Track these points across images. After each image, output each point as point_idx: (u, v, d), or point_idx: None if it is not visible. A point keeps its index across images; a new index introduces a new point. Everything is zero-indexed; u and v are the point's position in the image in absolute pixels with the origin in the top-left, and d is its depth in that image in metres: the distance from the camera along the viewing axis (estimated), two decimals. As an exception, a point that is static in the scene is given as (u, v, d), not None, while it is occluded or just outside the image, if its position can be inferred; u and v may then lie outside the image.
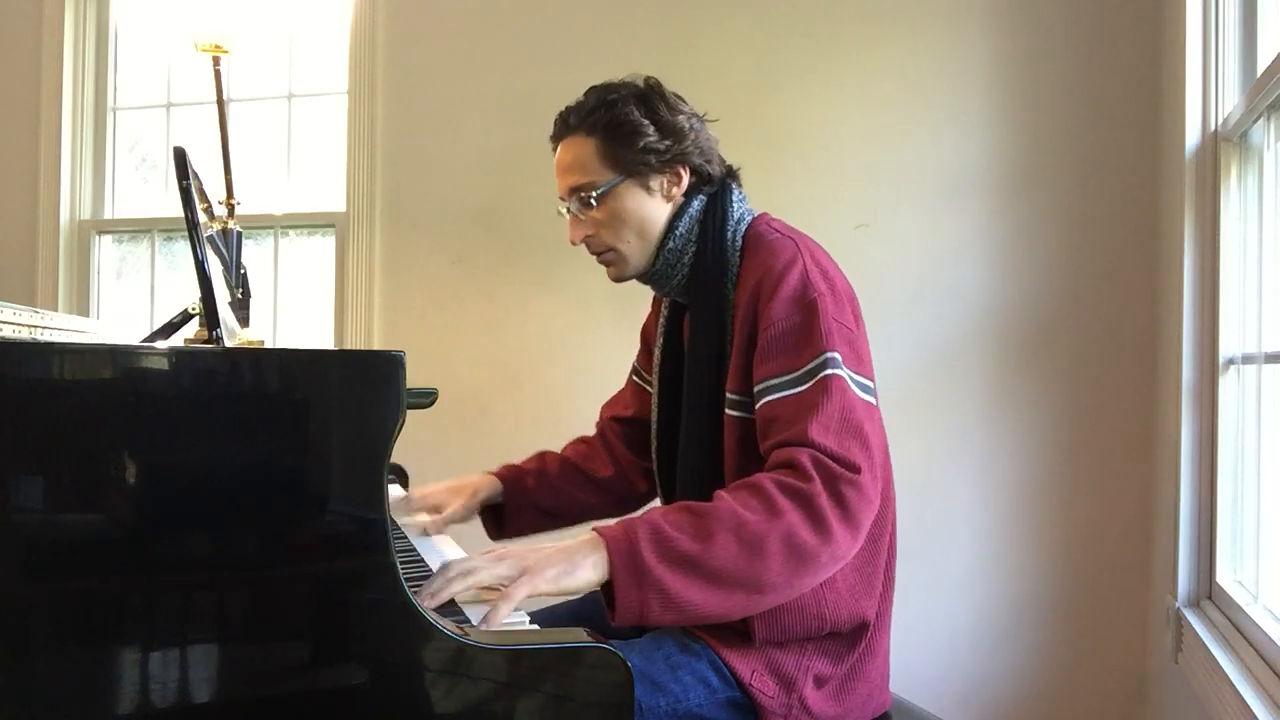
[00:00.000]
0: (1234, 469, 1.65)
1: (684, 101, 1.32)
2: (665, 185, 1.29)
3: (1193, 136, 1.75)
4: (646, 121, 1.26)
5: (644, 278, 1.34)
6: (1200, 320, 1.73)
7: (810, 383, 1.11)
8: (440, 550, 1.37)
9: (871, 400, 1.16)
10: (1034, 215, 2.26)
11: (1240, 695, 1.29)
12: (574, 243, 1.32)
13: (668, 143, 1.26)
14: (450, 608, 1.11)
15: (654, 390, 1.41)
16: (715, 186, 1.32)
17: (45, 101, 2.97)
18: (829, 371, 1.11)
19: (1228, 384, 1.67)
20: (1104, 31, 2.22)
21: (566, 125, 1.30)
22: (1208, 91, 1.73)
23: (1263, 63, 1.56)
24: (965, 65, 2.31)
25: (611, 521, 1.08)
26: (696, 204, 1.30)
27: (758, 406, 1.15)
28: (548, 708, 0.94)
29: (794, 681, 1.17)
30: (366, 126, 2.73)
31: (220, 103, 2.30)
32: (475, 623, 1.05)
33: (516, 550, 1.04)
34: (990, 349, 2.28)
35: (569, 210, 1.31)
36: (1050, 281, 2.25)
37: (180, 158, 1.21)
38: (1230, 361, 1.66)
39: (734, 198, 1.32)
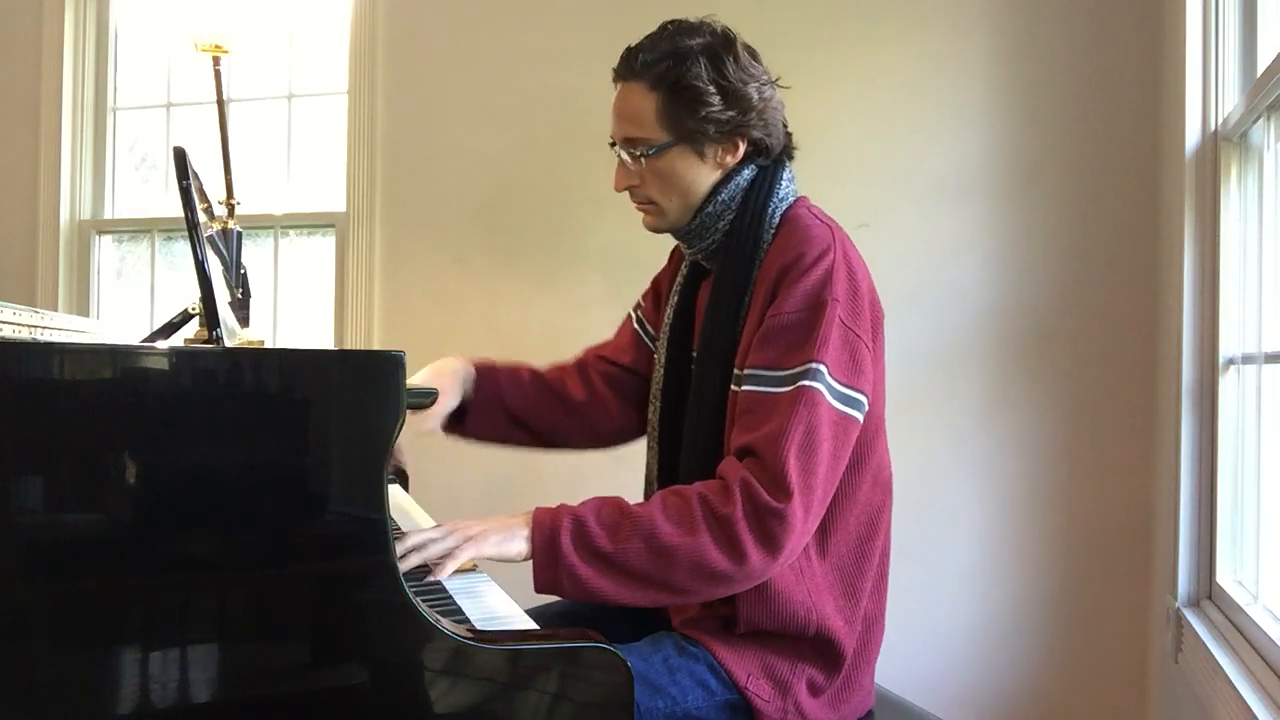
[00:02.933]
0: (1234, 469, 1.65)
1: (758, 63, 1.27)
2: (720, 154, 1.25)
3: (1193, 136, 1.75)
4: (713, 88, 1.20)
5: (675, 232, 1.31)
6: (1200, 320, 1.73)
7: (788, 388, 1.11)
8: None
9: (851, 413, 1.14)
10: (1034, 215, 2.26)
11: (1240, 695, 1.29)
12: (618, 189, 1.29)
13: (731, 113, 1.21)
14: (450, 607, 1.11)
15: (661, 349, 1.38)
16: (770, 160, 1.29)
17: (45, 101, 2.97)
18: (807, 383, 1.10)
19: (1228, 384, 1.67)
20: (1104, 31, 2.22)
21: (631, 68, 1.23)
22: (1208, 91, 1.73)
23: (1263, 63, 1.56)
24: (965, 65, 2.31)
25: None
26: (746, 173, 1.27)
27: (741, 390, 1.16)
28: (547, 708, 0.94)
29: (789, 686, 1.17)
30: (366, 126, 2.73)
31: (220, 103, 2.30)
32: (474, 620, 1.06)
33: (466, 522, 1.13)
34: (990, 349, 2.28)
35: (619, 155, 1.28)
36: (1050, 281, 2.25)
37: (180, 158, 1.21)
38: (1230, 361, 1.66)
39: (784, 177, 1.29)
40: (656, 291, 1.51)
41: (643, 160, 1.24)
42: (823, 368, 1.11)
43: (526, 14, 2.61)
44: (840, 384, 1.13)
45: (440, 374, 1.42)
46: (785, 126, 1.32)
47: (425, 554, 1.09)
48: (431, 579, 1.10)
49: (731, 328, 1.23)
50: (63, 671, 0.83)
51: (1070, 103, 2.24)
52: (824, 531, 1.19)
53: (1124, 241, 2.20)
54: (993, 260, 2.28)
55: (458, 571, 1.12)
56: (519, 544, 1.09)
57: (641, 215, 1.32)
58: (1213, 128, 1.71)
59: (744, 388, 1.15)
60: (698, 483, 1.13)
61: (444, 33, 2.69)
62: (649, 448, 1.40)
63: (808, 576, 1.18)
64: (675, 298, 1.38)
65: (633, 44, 1.25)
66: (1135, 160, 2.19)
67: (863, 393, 1.16)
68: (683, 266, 1.40)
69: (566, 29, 2.58)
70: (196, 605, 0.87)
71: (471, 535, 1.10)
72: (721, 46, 1.23)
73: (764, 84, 1.26)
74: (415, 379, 1.44)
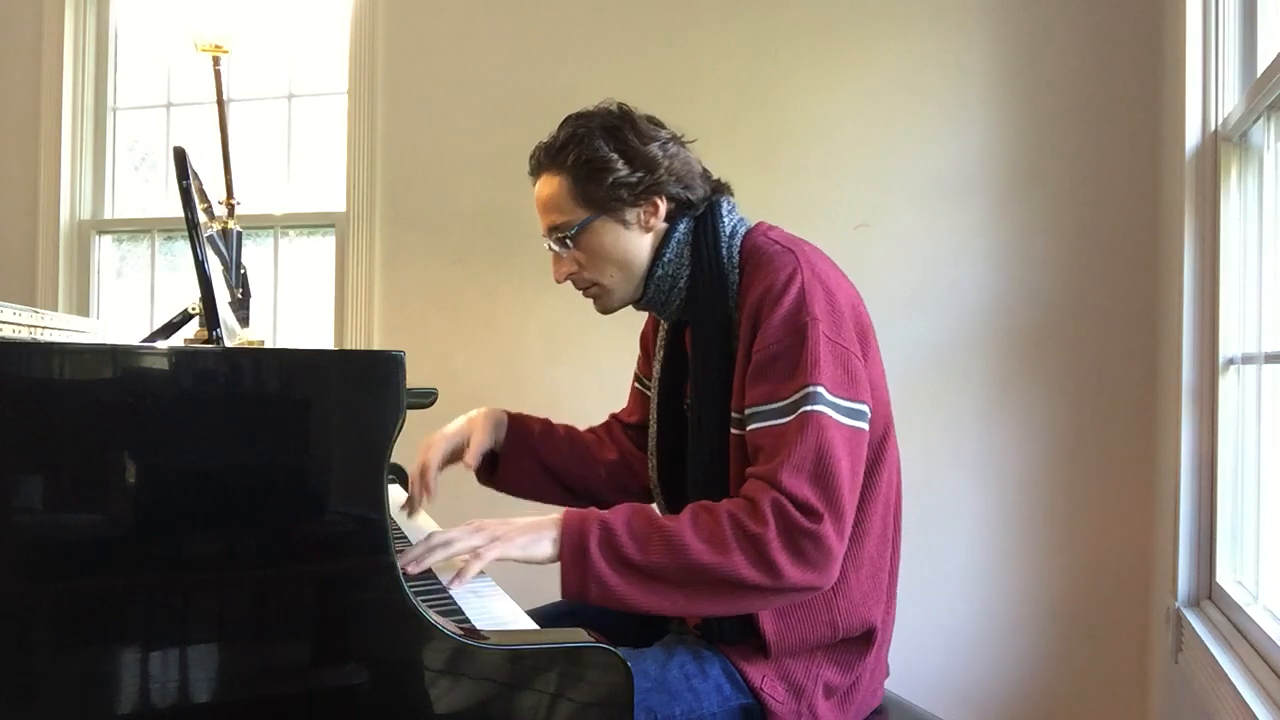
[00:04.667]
0: (1234, 469, 1.65)
1: (659, 126, 1.29)
2: (642, 217, 1.26)
3: (1193, 136, 1.75)
4: (615, 155, 1.23)
5: (638, 305, 1.32)
6: (1200, 320, 1.73)
7: (791, 416, 1.11)
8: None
9: (858, 425, 1.14)
10: (1034, 215, 2.26)
11: (1240, 695, 1.29)
12: (558, 280, 1.32)
13: (639, 175, 1.23)
14: (450, 608, 1.11)
15: (653, 403, 1.39)
16: (700, 208, 1.29)
17: (45, 101, 2.96)
18: (809, 408, 1.10)
19: (1228, 384, 1.67)
20: (1104, 32, 2.22)
21: (539, 163, 1.29)
22: (1208, 91, 1.72)
23: (1263, 63, 1.56)
24: (965, 65, 2.30)
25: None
26: (683, 227, 1.27)
27: (747, 430, 1.16)
28: (547, 708, 0.94)
29: (804, 689, 1.18)
30: (366, 126, 2.73)
31: (220, 103, 2.30)
32: (474, 621, 1.06)
33: (491, 521, 1.11)
34: (990, 349, 2.28)
35: (550, 248, 1.31)
36: (1050, 281, 2.25)
37: (180, 158, 1.21)
38: (1230, 361, 1.66)
39: (723, 212, 1.28)
40: (645, 348, 1.52)
41: (569, 243, 1.26)
42: (820, 389, 1.11)
43: (526, 14, 2.61)
44: (841, 399, 1.12)
45: (472, 419, 1.45)
46: (706, 175, 1.32)
47: (450, 550, 1.08)
48: (454, 582, 1.08)
49: (721, 372, 1.23)
50: (63, 671, 0.83)
51: (1070, 103, 2.24)
52: (856, 541, 1.18)
53: (1124, 241, 2.20)
54: (993, 260, 2.28)
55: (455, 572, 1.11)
56: (546, 546, 1.08)
57: (592, 303, 1.33)
58: (1213, 128, 1.71)
59: (749, 428, 1.15)
60: (726, 500, 1.12)
61: (444, 33, 2.69)
62: (657, 500, 1.40)
63: (840, 593, 1.18)
64: (660, 353, 1.38)
65: (535, 146, 1.29)
66: (1135, 160, 2.19)
67: (863, 403, 1.15)
68: (662, 321, 1.40)
69: (566, 29, 2.58)
70: (197, 605, 0.87)
71: (498, 535, 1.09)
72: (618, 120, 1.26)
73: (667, 142, 1.27)
74: (450, 428, 1.45)
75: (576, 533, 1.08)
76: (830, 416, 1.11)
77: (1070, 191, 2.24)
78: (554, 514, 1.11)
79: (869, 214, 2.34)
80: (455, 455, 1.44)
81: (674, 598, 1.08)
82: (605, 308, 1.33)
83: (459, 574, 1.08)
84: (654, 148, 1.25)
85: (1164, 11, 2.08)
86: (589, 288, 1.31)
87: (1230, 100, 1.68)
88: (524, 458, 1.47)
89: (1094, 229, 2.22)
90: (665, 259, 1.26)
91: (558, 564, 1.08)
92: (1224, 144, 1.67)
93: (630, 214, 1.25)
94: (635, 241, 1.27)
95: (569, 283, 1.33)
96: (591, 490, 1.51)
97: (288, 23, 2.73)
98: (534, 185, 1.31)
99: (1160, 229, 2.12)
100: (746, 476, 1.13)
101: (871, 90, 2.36)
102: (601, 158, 1.23)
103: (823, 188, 2.37)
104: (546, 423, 1.52)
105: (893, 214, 2.33)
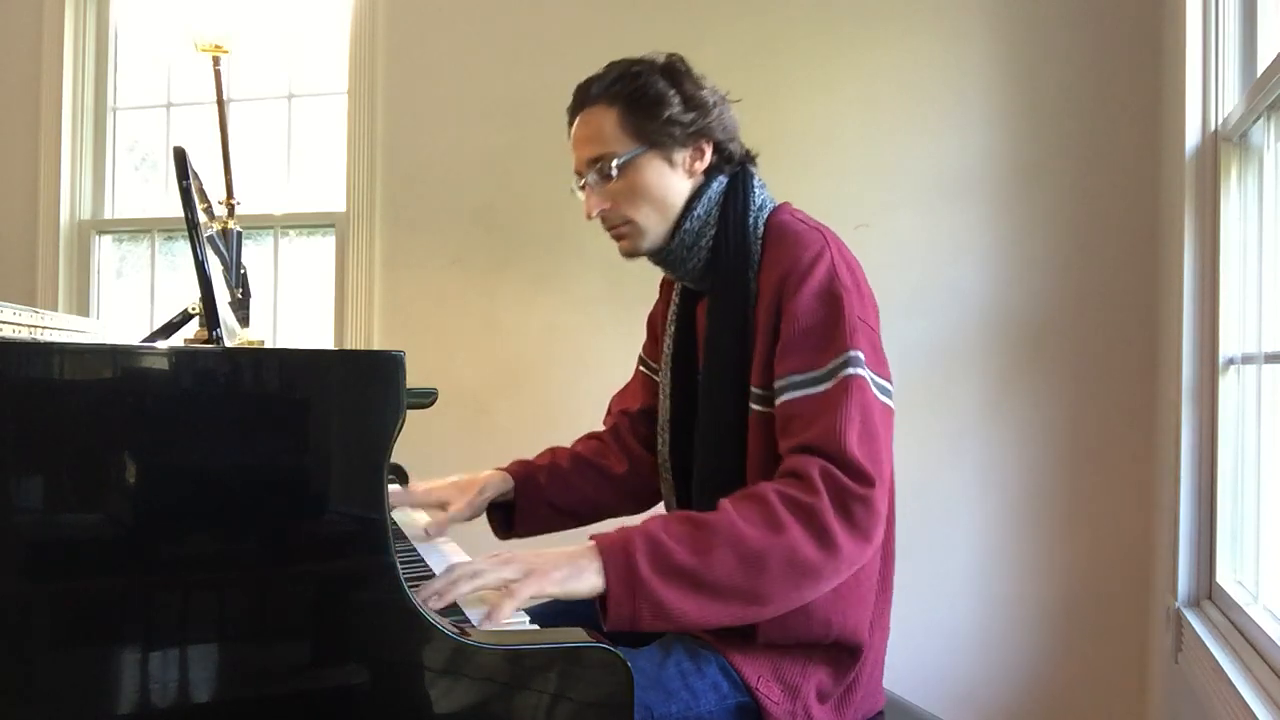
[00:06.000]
0: (1234, 469, 1.65)
1: (707, 79, 1.29)
2: (688, 160, 1.25)
3: (1193, 136, 1.75)
4: (672, 92, 1.23)
5: (657, 256, 1.30)
6: (1200, 320, 1.73)
7: (832, 382, 1.09)
8: (441, 551, 1.37)
9: (889, 403, 1.14)
10: (1034, 215, 2.26)
11: (1240, 695, 1.29)
12: (589, 215, 1.28)
13: (692, 115, 1.23)
14: (450, 608, 1.11)
15: (665, 382, 1.36)
16: (737, 167, 1.29)
17: (45, 101, 2.97)
18: (851, 371, 1.09)
19: (1228, 384, 1.67)
20: (1104, 31, 2.22)
21: (587, 96, 1.26)
22: (1208, 91, 1.73)
23: (1263, 63, 1.56)
24: (965, 65, 2.31)
25: (615, 526, 1.08)
26: (717, 185, 1.27)
27: (778, 403, 1.13)
28: (547, 707, 0.94)
29: (798, 690, 1.17)
30: (366, 126, 2.73)
31: (220, 103, 2.30)
32: (475, 623, 1.05)
33: (522, 554, 1.04)
34: (990, 349, 2.28)
35: (586, 183, 1.27)
36: (1050, 281, 2.25)
37: (180, 158, 1.21)
38: (1230, 361, 1.66)
39: (755, 183, 1.28)
40: (652, 330, 1.51)
41: (613, 173, 1.23)
42: (860, 354, 1.10)
43: (526, 14, 2.61)
44: (874, 374, 1.12)
45: (463, 489, 1.43)
46: (742, 143, 1.32)
47: (477, 583, 1.01)
48: (485, 621, 1.00)
49: (738, 345, 1.21)
50: (63, 671, 0.83)
51: (1070, 103, 2.24)
52: None
53: (1124, 241, 2.20)
54: (993, 260, 2.28)
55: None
56: (591, 579, 1.00)
57: (618, 244, 1.30)
58: (1213, 128, 1.71)
59: (782, 399, 1.13)
60: (763, 482, 1.08)
61: (444, 33, 2.69)
62: (663, 480, 1.38)
63: (835, 590, 1.15)
64: (672, 327, 1.36)
65: (580, 81, 1.27)
66: (1135, 160, 2.19)
67: (890, 382, 1.16)
68: (674, 296, 1.39)
69: (566, 29, 2.58)
70: (197, 605, 0.87)
71: (532, 569, 1.01)
72: (672, 65, 1.26)
73: (716, 93, 1.29)
74: (439, 484, 1.45)
75: (621, 553, 1.01)
76: (869, 384, 1.10)
77: (1070, 191, 2.24)
78: (585, 542, 1.05)
79: (869, 214, 2.34)
80: (439, 506, 1.44)
81: (731, 603, 1.02)
82: (633, 248, 1.29)
83: (490, 613, 1.00)
84: (706, 93, 1.26)
85: (1164, 11, 2.08)
86: (620, 225, 1.28)
87: (1230, 100, 1.68)
88: (539, 509, 1.46)
89: (1094, 229, 2.22)
90: (696, 213, 1.25)
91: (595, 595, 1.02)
92: (1224, 144, 1.67)
93: (678, 154, 1.24)
94: (676, 183, 1.26)
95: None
96: (605, 511, 1.49)
97: (288, 23, 2.73)
98: (572, 122, 1.28)
99: (1160, 229, 2.12)
100: (783, 453, 1.11)
101: (872, 90, 2.36)
102: (659, 92, 1.22)
103: (823, 188, 2.36)
104: (552, 463, 1.49)
105: (893, 214, 2.33)
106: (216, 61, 2.27)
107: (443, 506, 1.45)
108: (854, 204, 2.35)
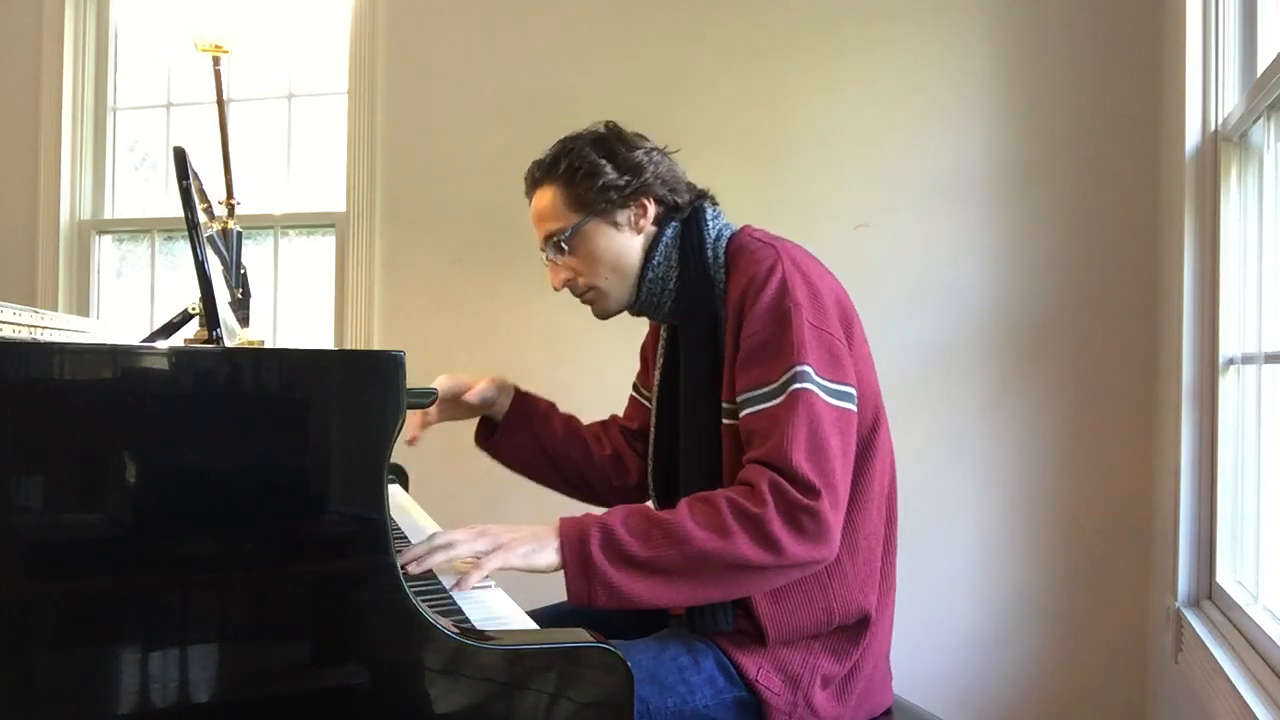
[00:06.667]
0: (1234, 469, 1.65)
1: (644, 139, 1.35)
2: (633, 218, 1.31)
3: (1193, 136, 1.75)
4: (603, 160, 1.29)
5: (633, 310, 1.37)
6: (1200, 320, 1.73)
7: (782, 396, 1.14)
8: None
9: (845, 406, 1.17)
10: (1034, 215, 2.26)
11: (1240, 695, 1.29)
12: (556, 288, 1.36)
13: (627, 178, 1.29)
14: (450, 608, 1.11)
15: (654, 409, 1.42)
16: (686, 212, 1.34)
17: (45, 101, 2.97)
18: (797, 386, 1.13)
19: (1228, 384, 1.67)
20: (1104, 31, 2.22)
21: (534, 180, 1.35)
22: (1208, 91, 1.73)
23: (1263, 63, 1.56)
24: (965, 65, 2.30)
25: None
26: (671, 230, 1.32)
27: (740, 416, 1.19)
28: (547, 707, 0.94)
29: (800, 680, 1.18)
30: (366, 126, 2.73)
31: (220, 103, 2.30)
32: (474, 621, 1.06)
33: (494, 527, 1.12)
34: (990, 349, 2.28)
35: (548, 258, 1.36)
36: (1050, 281, 2.25)
37: (180, 158, 1.21)
38: (1230, 361, 1.66)
39: (708, 217, 1.34)
40: (645, 360, 1.57)
41: (564, 246, 1.32)
42: (807, 368, 1.14)
43: (526, 14, 2.61)
44: (827, 380, 1.16)
45: (485, 375, 1.51)
46: (691, 185, 1.37)
47: (452, 554, 1.09)
48: (455, 588, 1.09)
49: (710, 367, 1.26)
50: (63, 671, 0.83)
51: (1070, 103, 2.24)
52: (850, 528, 1.21)
53: (1124, 241, 2.20)
54: (993, 260, 2.28)
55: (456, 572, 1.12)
56: (549, 555, 1.10)
57: (591, 309, 1.37)
58: (1213, 128, 1.71)
59: (742, 414, 1.18)
60: (721, 489, 1.14)
61: (444, 33, 2.69)
62: (652, 500, 1.43)
63: (836, 578, 1.20)
64: (660, 359, 1.42)
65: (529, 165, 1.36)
66: (1135, 160, 2.19)
67: (850, 385, 1.19)
68: (662, 330, 1.44)
69: (566, 29, 2.58)
70: (197, 605, 0.87)
71: (501, 543, 1.10)
72: (605, 133, 1.33)
73: (652, 150, 1.34)
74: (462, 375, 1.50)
75: (577, 539, 1.09)
76: (818, 395, 1.14)
77: (1070, 191, 2.24)
78: (551, 523, 1.13)
79: (869, 214, 2.34)
80: (465, 386, 1.49)
81: (681, 588, 1.10)
82: (604, 311, 1.37)
83: (459, 581, 1.10)
84: (639, 154, 1.32)
85: (1164, 12, 2.08)
86: (586, 292, 1.36)
87: (1230, 100, 1.68)
88: (522, 433, 1.52)
89: (1094, 229, 2.22)
90: (655, 262, 1.31)
91: (561, 572, 1.10)
92: (1224, 144, 1.67)
93: (620, 215, 1.31)
94: (627, 243, 1.32)
95: (567, 289, 1.37)
96: (584, 477, 1.54)
97: (288, 23, 2.73)
98: (530, 203, 1.37)
99: (1160, 229, 2.12)
100: (744, 463, 1.16)
101: (872, 90, 2.36)
102: (590, 163, 1.29)
103: (823, 188, 2.37)
104: (551, 407, 1.57)
105: (893, 214, 2.33)
106: (216, 61, 2.27)
107: (467, 385, 1.50)
108: (854, 204, 2.35)
